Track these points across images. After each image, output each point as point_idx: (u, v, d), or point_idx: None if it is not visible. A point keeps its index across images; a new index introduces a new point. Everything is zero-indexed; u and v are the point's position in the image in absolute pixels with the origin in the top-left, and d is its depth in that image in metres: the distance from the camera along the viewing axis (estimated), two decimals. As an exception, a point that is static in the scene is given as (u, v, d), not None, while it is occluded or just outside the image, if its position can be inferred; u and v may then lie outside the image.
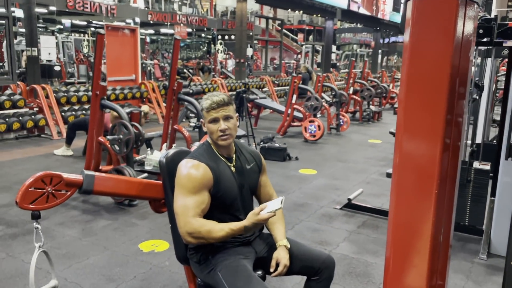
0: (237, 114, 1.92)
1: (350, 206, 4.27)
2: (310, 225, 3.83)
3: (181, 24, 17.83)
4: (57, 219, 3.77)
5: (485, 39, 3.37)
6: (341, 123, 8.43)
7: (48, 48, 7.83)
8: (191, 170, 1.76)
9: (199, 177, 1.75)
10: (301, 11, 18.97)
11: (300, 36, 22.42)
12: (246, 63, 14.45)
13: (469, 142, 4.54)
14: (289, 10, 19.44)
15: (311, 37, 23.50)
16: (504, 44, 3.46)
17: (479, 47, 4.24)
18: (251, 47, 15.29)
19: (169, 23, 17.89)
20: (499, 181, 3.24)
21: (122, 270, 2.91)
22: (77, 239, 3.38)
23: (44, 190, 1.72)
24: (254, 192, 2.00)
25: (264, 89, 12.11)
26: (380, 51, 24.65)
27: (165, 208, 2.01)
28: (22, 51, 9.26)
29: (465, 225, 3.64)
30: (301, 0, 15.57)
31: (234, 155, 1.92)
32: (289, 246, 1.90)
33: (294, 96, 7.81)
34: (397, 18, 22.09)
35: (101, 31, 3.96)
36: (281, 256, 1.86)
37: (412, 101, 1.47)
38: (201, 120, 1.89)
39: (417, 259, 1.53)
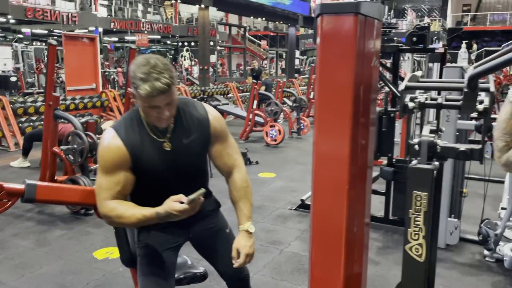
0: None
1: (303, 206, 4.44)
2: (265, 226, 3.97)
3: (145, 32, 17.76)
4: (11, 230, 3.76)
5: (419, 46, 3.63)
6: (302, 127, 8.66)
7: (3, 59, 7.69)
8: (104, 148, 1.56)
9: (111, 157, 1.54)
10: (264, 18, 19.28)
11: (264, 43, 22.71)
12: (213, 70, 14.56)
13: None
14: (252, 17, 19.70)
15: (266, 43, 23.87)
16: (436, 51, 3.73)
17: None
18: (218, 53, 15.43)
19: (133, 31, 17.79)
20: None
21: (75, 278, 2.95)
22: (31, 250, 3.39)
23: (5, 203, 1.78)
24: (199, 169, 1.74)
25: (229, 95, 12.25)
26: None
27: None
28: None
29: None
30: (263, 7, 15.85)
31: (172, 125, 1.62)
32: (252, 230, 1.65)
33: (255, 102, 7.97)
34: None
35: (53, 42, 3.99)
36: (241, 245, 1.62)
37: (324, 105, 1.63)
38: (129, 90, 1.61)
39: (334, 250, 1.68)
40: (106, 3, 18.09)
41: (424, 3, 28.78)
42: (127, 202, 1.58)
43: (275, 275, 3.04)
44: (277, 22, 21.26)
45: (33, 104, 7.73)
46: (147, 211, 1.50)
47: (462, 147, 1.46)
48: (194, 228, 1.79)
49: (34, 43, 18.55)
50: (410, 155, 1.49)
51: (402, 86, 1.34)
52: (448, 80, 1.71)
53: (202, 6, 12.68)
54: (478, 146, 1.44)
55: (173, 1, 17.81)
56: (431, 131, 1.45)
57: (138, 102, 1.51)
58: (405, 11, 27.77)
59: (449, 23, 25.76)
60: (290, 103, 9.40)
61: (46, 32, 18.86)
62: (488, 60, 1.24)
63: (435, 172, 1.39)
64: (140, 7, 19.69)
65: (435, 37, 18.06)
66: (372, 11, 1.57)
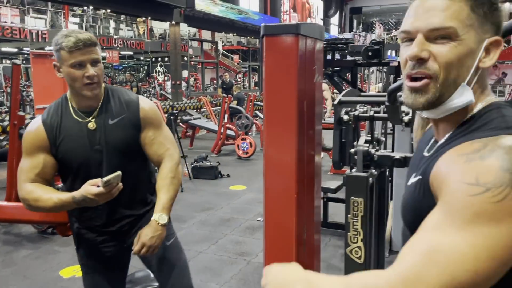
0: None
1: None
2: (234, 238, 4.04)
3: (117, 48, 17.71)
4: (-24, 252, 3.71)
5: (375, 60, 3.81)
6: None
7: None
8: (26, 132, 1.60)
9: (30, 140, 1.56)
10: (235, 34, 19.54)
11: (236, 57, 22.97)
12: (186, 84, 14.64)
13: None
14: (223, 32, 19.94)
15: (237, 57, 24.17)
16: (390, 64, 3.93)
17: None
18: (192, 68, 15.52)
19: (105, 47, 17.71)
20: (394, 184, 3.65)
21: (40, 297, 2.95)
22: (-5, 271, 3.36)
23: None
24: (128, 154, 1.64)
25: (202, 110, 12.31)
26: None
27: (71, 232, 2.12)
28: None
29: (372, 227, 4.01)
30: (234, 23, 16.09)
31: (99, 106, 1.60)
32: (162, 221, 1.56)
33: (226, 116, 8.07)
34: (326, 37, 23.28)
35: (17, 61, 4.00)
36: (143, 233, 1.56)
37: (271, 120, 1.74)
38: (55, 63, 1.55)
39: (286, 254, 1.78)
40: (77, 20, 17.99)
41: (391, 16, 29.75)
42: (46, 187, 1.55)
43: (242, 286, 3.10)
44: (248, 37, 21.57)
45: (1, 123, 7.62)
46: (63, 195, 1.47)
47: (397, 155, 1.59)
48: (131, 238, 1.67)
49: (3, 61, 18.21)
50: (351, 164, 1.61)
51: (336, 101, 1.46)
52: (377, 94, 1.85)
53: (173, 22, 12.79)
54: (411, 154, 1.58)
55: (144, 18, 17.86)
56: (367, 141, 1.57)
57: (64, 68, 1.50)
58: (374, 25, 28.62)
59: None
60: (262, 116, 9.54)
61: (15, 50, 18.56)
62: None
63: (370, 179, 1.51)
64: (112, 23, 19.65)
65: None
66: (312, 31, 1.70)
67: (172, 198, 1.62)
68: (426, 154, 0.88)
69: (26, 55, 16.78)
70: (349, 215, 1.49)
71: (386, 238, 3.83)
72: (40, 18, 15.86)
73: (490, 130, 0.72)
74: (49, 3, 14.06)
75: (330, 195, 4.06)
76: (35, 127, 1.57)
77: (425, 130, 1.08)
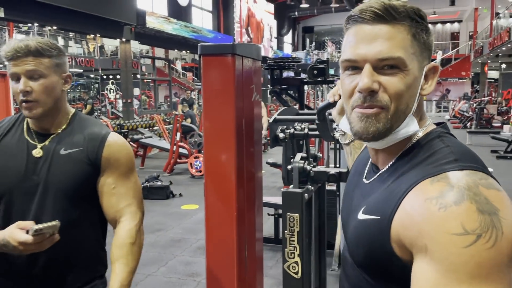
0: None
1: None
2: (184, 259, 3.96)
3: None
4: None
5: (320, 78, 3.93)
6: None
7: None
8: None
9: None
10: (189, 51, 19.54)
11: (190, 74, 22.94)
12: (139, 102, 14.37)
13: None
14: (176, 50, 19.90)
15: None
16: (335, 82, 4.07)
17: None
18: (145, 85, 15.28)
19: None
20: (342, 198, 3.74)
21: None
22: None
23: None
24: (74, 200, 1.29)
25: (155, 128, 12.12)
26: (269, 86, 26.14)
27: None
28: None
29: (321, 241, 4.09)
30: (186, 41, 16.09)
31: (55, 133, 1.32)
32: None
33: (178, 134, 8.00)
34: (280, 55, 23.83)
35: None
36: None
37: (211, 137, 1.75)
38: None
39: (228, 273, 1.77)
40: (23, 36, 17.33)
41: (342, 35, 30.92)
42: None
43: (191, 307, 3.04)
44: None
45: None
46: None
47: (332, 171, 1.64)
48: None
49: None
50: (289, 181, 1.64)
51: (271, 119, 1.50)
52: (312, 112, 1.92)
53: (124, 40, 12.61)
54: (345, 170, 1.63)
55: (93, 35, 17.50)
56: (302, 158, 1.61)
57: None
58: (325, 44, 29.60)
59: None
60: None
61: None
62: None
63: (306, 195, 1.54)
64: (61, 40, 19.08)
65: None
66: (248, 51, 1.74)
67: (132, 272, 1.26)
68: (365, 181, 0.87)
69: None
70: (285, 231, 1.51)
71: (335, 251, 3.91)
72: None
73: (441, 165, 0.71)
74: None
75: (280, 211, 4.10)
76: None
77: (357, 155, 1.06)
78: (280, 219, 4.18)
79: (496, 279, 0.61)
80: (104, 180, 1.32)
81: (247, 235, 1.79)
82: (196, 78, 23.27)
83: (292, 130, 1.54)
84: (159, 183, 6.31)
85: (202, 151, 8.18)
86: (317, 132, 1.55)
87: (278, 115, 1.57)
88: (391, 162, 0.81)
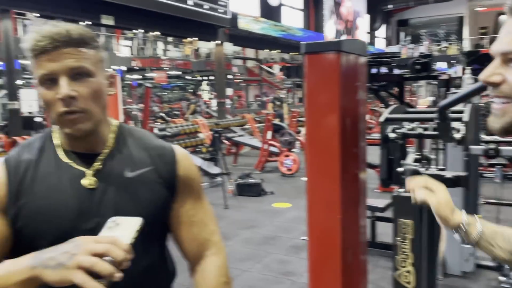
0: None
1: (317, 236, 4.44)
2: (278, 257, 3.98)
3: (165, 68, 18.38)
4: None
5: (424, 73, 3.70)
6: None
7: (29, 101, 8.13)
8: None
9: None
10: (279, 50, 19.70)
11: (280, 73, 23.11)
12: (231, 102, 14.89)
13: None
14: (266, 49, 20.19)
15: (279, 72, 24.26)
16: (440, 77, 3.79)
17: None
18: (235, 86, 15.81)
19: (153, 68, 18.46)
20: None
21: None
22: None
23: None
24: (150, 230, 0.90)
25: (246, 127, 12.43)
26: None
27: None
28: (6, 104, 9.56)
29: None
30: (277, 40, 16.23)
31: (105, 152, 0.95)
32: None
33: (269, 132, 8.09)
34: (372, 50, 22.96)
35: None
36: None
37: (313, 137, 1.71)
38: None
39: (332, 276, 1.72)
40: (129, 43, 18.90)
41: (439, 27, 28.88)
42: None
43: (286, 306, 3.04)
44: (292, 53, 21.69)
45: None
46: (14, 265, 0.76)
47: (448, 174, 1.50)
48: None
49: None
50: (398, 184, 1.54)
51: (382, 118, 1.41)
52: (425, 110, 1.77)
53: (218, 42, 13.11)
54: (464, 173, 1.48)
55: (190, 39, 18.46)
56: (416, 160, 1.50)
57: (35, 84, 0.88)
58: (421, 37, 27.88)
59: (468, 46, 25.69)
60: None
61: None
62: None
63: (419, 199, 1.43)
64: (161, 45, 20.46)
65: (455, 61, 18.04)
66: (353, 47, 1.67)
67: None
68: None
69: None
70: (397, 238, 1.41)
71: (439, 260, 3.64)
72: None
73: None
74: (102, 28, 14.88)
75: (377, 214, 3.92)
76: None
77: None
78: (377, 222, 4.00)
79: None
80: (181, 206, 1.01)
81: (352, 238, 1.72)
82: (285, 77, 23.41)
83: (404, 130, 1.44)
84: (251, 180, 6.43)
85: (293, 150, 8.18)
86: (432, 132, 1.43)
87: (388, 113, 1.47)
88: None
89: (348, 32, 22.39)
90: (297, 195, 6.36)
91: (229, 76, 14.80)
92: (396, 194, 1.42)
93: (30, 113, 8.41)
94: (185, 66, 20.21)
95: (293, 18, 19.13)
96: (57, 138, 0.95)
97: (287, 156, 7.73)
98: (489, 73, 0.73)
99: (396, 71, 4.32)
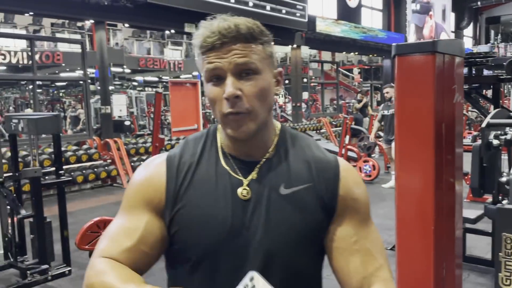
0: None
1: (399, 245, 4.24)
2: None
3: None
4: None
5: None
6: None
7: (119, 106, 8.80)
8: (140, 168, 0.92)
9: (135, 188, 0.89)
10: (357, 53, 19.22)
11: (357, 77, 22.53)
12: (306, 106, 14.83)
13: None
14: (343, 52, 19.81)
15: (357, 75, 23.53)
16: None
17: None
18: (311, 89, 15.73)
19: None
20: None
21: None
22: None
23: (99, 233, 2.06)
24: (301, 255, 0.87)
25: (321, 131, 12.29)
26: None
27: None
28: (100, 109, 10.44)
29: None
30: (355, 42, 15.86)
31: (264, 160, 0.88)
32: None
33: (347, 137, 7.91)
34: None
35: (159, 90, 4.49)
36: None
37: (404, 144, 1.63)
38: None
39: (422, 292, 1.62)
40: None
41: (537, 23, 26.28)
42: (130, 271, 0.81)
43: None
44: (370, 56, 21.07)
45: (144, 145, 8.59)
46: None
47: (562, 186, 1.35)
48: None
49: (145, 89, 20.68)
50: (501, 194, 1.42)
51: (484, 123, 1.31)
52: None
53: (295, 46, 13.14)
54: None
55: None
56: (522, 169, 1.37)
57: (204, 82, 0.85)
58: (515, 34, 25.58)
59: None
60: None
61: (156, 79, 20.97)
62: None
63: (528, 213, 1.30)
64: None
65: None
66: (450, 48, 1.57)
67: None
68: None
69: (164, 83, 18.85)
70: (500, 253, 1.30)
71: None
72: (176, 50, 17.70)
73: None
74: (185, 36, 15.62)
75: (468, 225, 3.65)
76: (153, 165, 0.90)
77: None
78: (467, 235, 3.72)
79: None
80: (340, 231, 0.87)
81: (445, 252, 1.61)
82: (362, 80, 22.79)
83: (509, 136, 1.32)
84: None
85: (372, 155, 7.92)
86: (544, 139, 1.29)
87: (491, 118, 1.36)
88: None
89: (432, 34, 21.19)
90: (376, 202, 6.13)
91: (304, 80, 14.75)
92: (501, 206, 1.30)
93: (119, 117, 9.10)
94: (261, 71, 20.52)
95: (372, 19, 18.59)
96: (220, 137, 0.91)
97: (366, 161, 7.51)
98: None
99: (486, 72, 3.99)
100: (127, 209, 0.88)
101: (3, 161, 5.02)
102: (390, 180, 7.04)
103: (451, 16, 23.25)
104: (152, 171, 0.89)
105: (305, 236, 0.85)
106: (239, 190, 0.85)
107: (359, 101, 12.19)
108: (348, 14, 16.71)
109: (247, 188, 0.85)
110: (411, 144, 1.59)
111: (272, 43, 0.87)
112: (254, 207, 0.84)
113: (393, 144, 6.84)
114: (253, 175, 0.86)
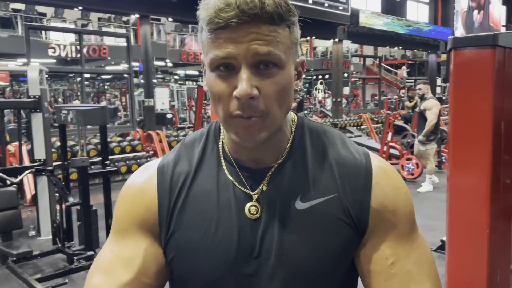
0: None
1: (444, 248, 4.08)
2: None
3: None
4: None
5: None
6: (444, 160, 8.01)
7: (162, 99, 8.99)
8: (126, 185, 0.75)
9: (123, 209, 0.73)
10: (400, 47, 18.67)
11: (401, 71, 21.88)
12: (346, 101, 14.59)
13: None
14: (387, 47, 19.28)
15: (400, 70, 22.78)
16: None
17: None
18: (352, 84, 15.46)
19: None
20: None
21: None
22: None
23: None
24: (323, 282, 0.69)
25: (362, 127, 12.05)
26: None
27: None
28: (143, 101, 10.72)
29: None
30: (399, 36, 15.39)
31: (276, 166, 0.70)
32: None
33: (390, 134, 7.71)
34: None
35: (201, 83, 4.53)
36: None
37: (459, 142, 1.55)
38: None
39: (474, 298, 1.54)
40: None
41: None
42: None
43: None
44: (415, 50, 20.40)
45: (184, 137, 8.76)
46: None
47: None
48: None
49: (186, 83, 21.04)
50: None
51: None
52: None
53: (336, 40, 12.92)
54: None
55: (308, 38, 18.50)
56: None
57: (205, 71, 0.66)
58: None
59: None
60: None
61: (197, 73, 21.29)
62: None
63: None
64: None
65: None
66: (513, 41, 1.47)
67: None
68: None
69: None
70: None
71: None
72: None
73: None
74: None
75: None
76: (143, 179, 0.73)
77: None
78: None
79: None
80: (373, 251, 0.69)
81: (500, 257, 1.52)
82: (406, 76, 22.13)
83: None
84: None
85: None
86: None
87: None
88: None
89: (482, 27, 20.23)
90: (419, 201, 5.95)
91: (345, 75, 14.49)
92: None
93: (162, 109, 9.31)
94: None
95: (417, 13, 17.96)
96: (223, 138, 0.73)
97: (409, 159, 7.28)
98: None
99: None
100: (120, 233, 0.72)
101: (52, 150, 5.25)
102: (424, 183, 6.81)
103: (502, 10, 22.08)
104: (142, 186, 0.72)
105: (329, 260, 0.67)
106: (247, 207, 0.68)
107: (411, 98, 11.55)
108: (392, 7, 16.23)
109: (256, 203, 0.68)
110: (466, 142, 1.51)
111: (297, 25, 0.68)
112: (265, 228, 0.67)
113: (423, 145, 6.50)
114: (263, 186, 0.69)
